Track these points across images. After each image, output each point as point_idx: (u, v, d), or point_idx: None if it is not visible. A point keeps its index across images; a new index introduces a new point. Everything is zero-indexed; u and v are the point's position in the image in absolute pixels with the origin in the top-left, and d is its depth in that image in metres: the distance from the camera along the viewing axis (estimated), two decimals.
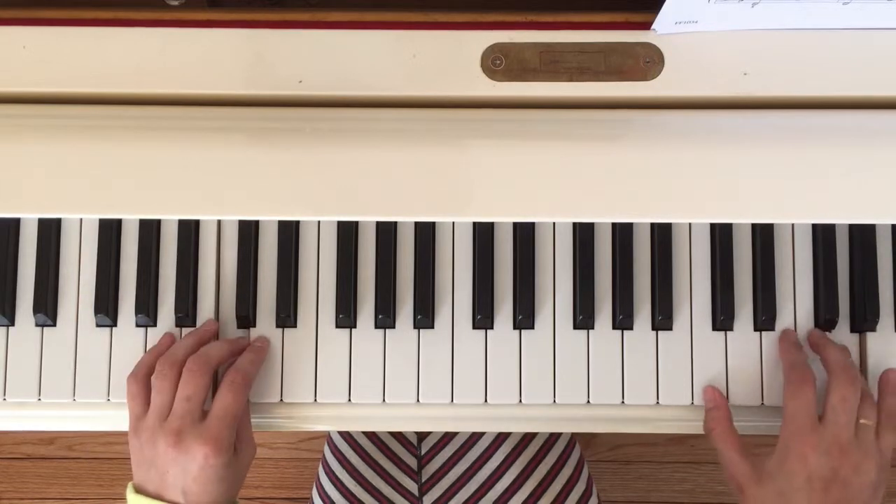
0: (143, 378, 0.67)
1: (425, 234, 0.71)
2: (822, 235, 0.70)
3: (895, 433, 0.65)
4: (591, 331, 0.70)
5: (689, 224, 0.71)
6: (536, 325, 0.70)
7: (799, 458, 0.62)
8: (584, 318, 0.70)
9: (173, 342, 0.69)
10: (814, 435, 0.63)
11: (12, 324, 0.71)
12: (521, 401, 0.70)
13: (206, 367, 0.66)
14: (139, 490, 0.65)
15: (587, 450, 1.53)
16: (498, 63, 0.63)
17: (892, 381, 0.68)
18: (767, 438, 0.68)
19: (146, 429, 0.65)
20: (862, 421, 0.64)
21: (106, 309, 0.70)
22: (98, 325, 0.70)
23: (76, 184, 0.62)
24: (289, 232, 0.71)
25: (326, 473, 0.91)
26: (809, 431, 0.63)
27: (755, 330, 0.70)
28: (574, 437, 0.93)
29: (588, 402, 0.70)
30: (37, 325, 0.70)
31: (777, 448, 0.65)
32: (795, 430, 0.64)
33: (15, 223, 0.71)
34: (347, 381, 0.70)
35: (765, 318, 0.70)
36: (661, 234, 0.70)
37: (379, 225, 0.71)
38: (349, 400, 0.70)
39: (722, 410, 0.68)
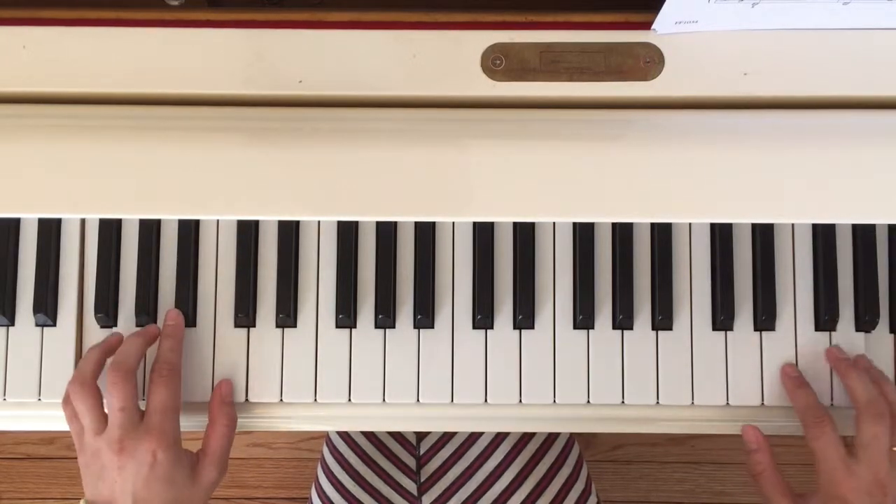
0: (72, 404, 0.66)
1: (425, 234, 0.71)
2: (822, 235, 0.70)
3: None
4: (591, 331, 0.70)
5: (689, 224, 0.71)
6: (536, 325, 0.70)
7: (840, 502, 0.63)
8: (584, 318, 0.70)
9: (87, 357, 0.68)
10: (851, 478, 0.63)
11: (12, 324, 0.71)
12: (521, 401, 0.70)
13: (127, 373, 0.65)
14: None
15: (587, 450, 1.53)
16: (498, 63, 0.63)
17: None
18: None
19: (87, 444, 0.64)
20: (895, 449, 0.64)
21: (106, 309, 0.70)
22: (98, 325, 0.70)
23: (76, 184, 0.62)
24: (289, 232, 0.71)
25: (325, 474, 0.91)
26: (845, 474, 0.63)
27: (755, 330, 0.70)
28: (573, 437, 0.93)
29: (588, 402, 0.70)
30: (37, 325, 0.70)
31: (818, 492, 0.65)
32: (830, 475, 0.64)
33: (15, 223, 0.71)
34: (347, 381, 0.70)
35: (765, 318, 0.70)
36: (661, 234, 0.70)
37: (379, 225, 0.71)
38: (349, 400, 0.70)
39: (765, 454, 0.68)
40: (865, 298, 0.70)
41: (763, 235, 0.71)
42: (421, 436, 0.89)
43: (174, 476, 0.63)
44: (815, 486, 0.66)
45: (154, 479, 0.63)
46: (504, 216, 0.67)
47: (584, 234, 0.70)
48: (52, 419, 0.70)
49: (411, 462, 0.88)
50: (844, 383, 0.68)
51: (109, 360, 0.67)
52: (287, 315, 0.70)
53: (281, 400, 0.70)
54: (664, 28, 0.63)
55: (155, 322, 0.70)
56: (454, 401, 0.70)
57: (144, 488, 0.62)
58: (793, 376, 0.69)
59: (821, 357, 0.70)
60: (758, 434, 0.69)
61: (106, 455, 0.63)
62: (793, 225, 0.71)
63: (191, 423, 0.70)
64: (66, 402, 0.67)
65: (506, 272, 0.71)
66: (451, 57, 0.63)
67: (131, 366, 0.66)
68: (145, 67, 0.63)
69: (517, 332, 0.70)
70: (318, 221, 0.71)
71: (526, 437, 0.88)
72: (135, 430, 0.63)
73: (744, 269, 0.71)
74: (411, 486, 0.87)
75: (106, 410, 0.65)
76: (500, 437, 0.87)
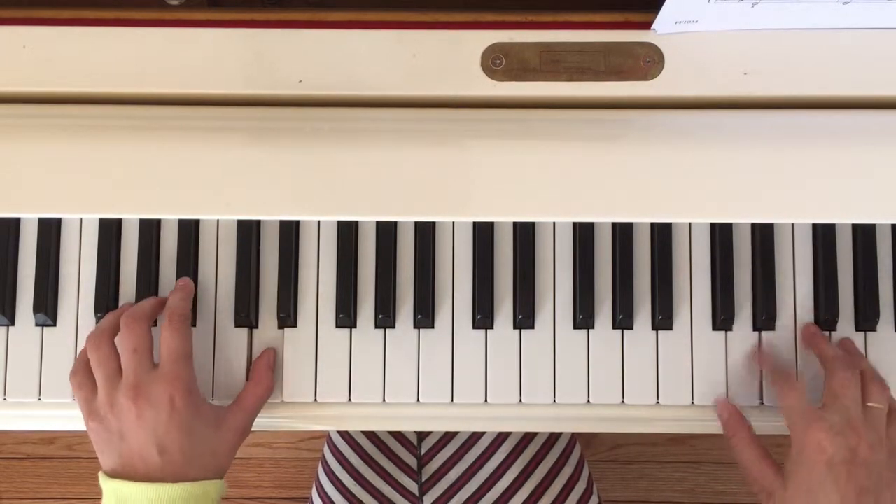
0: (81, 368, 0.65)
1: (425, 234, 0.71)
2: (822, 235, 0.70)
3: None
4: (591, 330, 0.70)
5: (689, 224, 0.71)
6: (536, 324, 0.70)
7: (815, 447, 0.62)
8: (584, 317, 0.70)
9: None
10: (821, 420, 0.62)
11: (12, 324, 0.71)
12: (521, 400, 0.70)
13: (140, 318, 0.64)
14: (111, 475, 0.62)
15: (587, 449, 1.53)
16: (498, 63, 0.63)
17: None
18: (778, 439, 0.68)
19: (101, 403, 0.63)
20: (871, 404, 0.63)
21: (106, 309, 0.70)
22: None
23: (76, 184, 0.62)
24: (289, 232, 0.71)
25: (326, 473, 0.91)
26: (815, 418, 0.62)
27: (755, 330, 0.70)
28: (575, 437, 0.93)
29: (588, 401, 0.70)
30: (37, 325, 0.70)
31: (792, 446, 0.64)
32: (801, 422, 0.63)
33: (15, 223, 0.71)
34: (347, 381, 0.70)
35: (765, 318, 0.70)
36: (661, 234, 0.70)
37: (379, 225, 0.71)
38: (349, 399, 0.70)
39: (736, 417, 0.68)
40: (865, 298, 0.70)
41: (763, 235, 0.71)
42: (422, 436, 0.89)
43: (195, 425, 0.62)
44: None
45: (175, 426, 0.61)
46: (504, 216, 0.67)
47: (584, 234, 0.70)
48: (52, 419, 0.70)
49: (413, 462, 0.88)
50: (815, 349, 0.68)
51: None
52: (287, 315, 0.70)
53: (281, 400, 0.70)
54: (664, 28, 0.63)
55: (155, 324, 0.70)
56: (454, 401, 0.70)
57: (166, 436, 0.61)
58: (764, 351, 0.69)
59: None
60: (728, 404, 0.69)
61: (123, 404, 0.61)
62: (793, 225, 0.71)
63: None
64: (75, 372, 0.65)
65: (506, 272, 0.71)
66: (451, 57, 0.63)
67: (144, 313, 0.65)
68: (145, 67, 0.63)
69: (517, 331, 0.70)
70: (318, 221, 0.71)
71: (528, 438, 0.88)
72: (149, 374, 0.62)
73: (744, 269, 0.71)
74: (412, 486, 0.87)
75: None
76: (501, 437, 0.87)
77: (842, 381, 0.64)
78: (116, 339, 0.65)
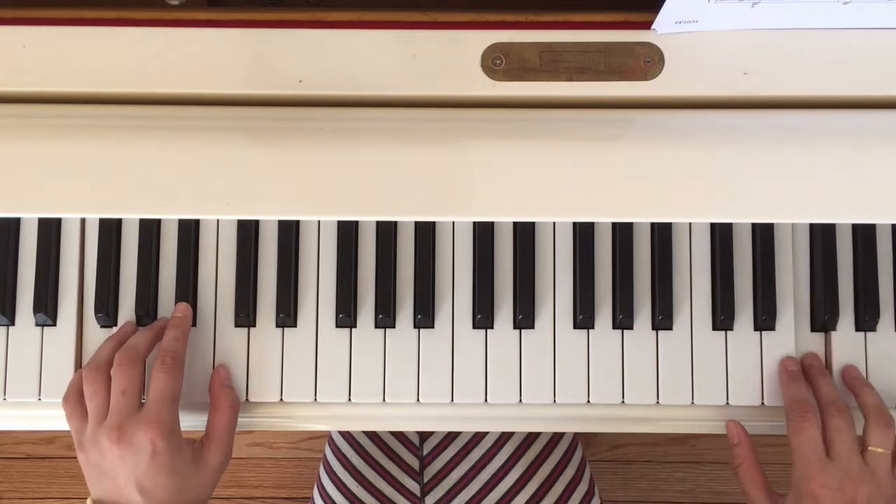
0: (75, 396, 0.66)
1: (425, 234, 0.71)
2: (822, 235, 0.70)
3: None
4: (591, 330, 0.70)
5: (689, 224, 0.71)
6: (536, 324, 0.70)
7: (811, 498, 0.63)
8: (584, 317, 0.70)
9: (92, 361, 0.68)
10: (823, 472, 0.63)
11: (12, 324, 0.71)
12: (521, 400, 0.70)
13: (135, 358, 0.65)
14: (98, 502, 0.64)
15: (588, 449, 1.53)
16: (498, 63, 0.63)
17: None
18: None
19: (88, 437, 0.64)
20: (871, 449, 0.64)
21: (106, 308, 0.70)
22: (98, 325, 0.70)
23: (76, 184, 0.62)
24: (289, 232, 0.71)
25: (328, 473, 0.91)
26: (818, 469, 0.63)
27: (755, 330, 0.70)
28: (577, 438, 0.93)
29: (588, 401, 0.70)
30: (37, 325, 0.70)
31: (791, 487, 0.65)
32: (804, 470, 0.64)
33: (15, 223, 0.71)
34: (347, 381, 0.70)
35: (765, 318, 0.70)
36: (661, 234, 0.70)
37: (379, 225, 0.71)
38: (349, 399, 0.70)
39: (746, 448, 0.68)
40: (865, 298, 0.70)
41: (763, 235, 0.70)
42: (424, 436, 0.89)
43: (175, 465, 0.63)
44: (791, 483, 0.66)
45: (155, 468, 0.62)
46: (504, 216, 0.67)
47: (584, 234, 0.70)
48: (52, 419, 0.70)
49: (414, 462, 0.88)
50: (812, 387, 0.68)
51: None
52: (287, 315, 0.70)
53: (281, 399, 0.70)
54: (664, 28, 0.63)
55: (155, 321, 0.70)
56: (454, 400, 0.70)
57: (146, 477, 0.62)
58: (790, 369, 0.69)
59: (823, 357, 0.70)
60: (739, 429, 0.69)
61: (105, 444, 0.62)
62: (793, 225, 0.71)
63: (192, 423, 0.70)
64: (67, 398, 0.66)
65: (506, 272, 0.71)
66: (451, 57, 0.63)
67: (139, 353, 0.66)
68: (145, 67, 0.63)
69: (517, 331, 0.70)
70: (318, 221, 0.71)
71: (530, 438, 0.88)
72: (133, 417, 0.63)
73: (744, 269, 0.71)
74: (414, 487, 0.87)
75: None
76: (503, 438, 0.87)
77: (836, 426, 0.65)
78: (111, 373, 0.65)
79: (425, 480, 0.87)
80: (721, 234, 0.70)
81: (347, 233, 0.70)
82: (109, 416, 0.63)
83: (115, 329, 0.70)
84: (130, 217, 0.71)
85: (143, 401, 0.65)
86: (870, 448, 0.64)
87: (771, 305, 0.70)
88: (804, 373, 0.69)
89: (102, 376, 0.65)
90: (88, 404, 0.65)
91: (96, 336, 0.70)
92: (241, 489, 1.52)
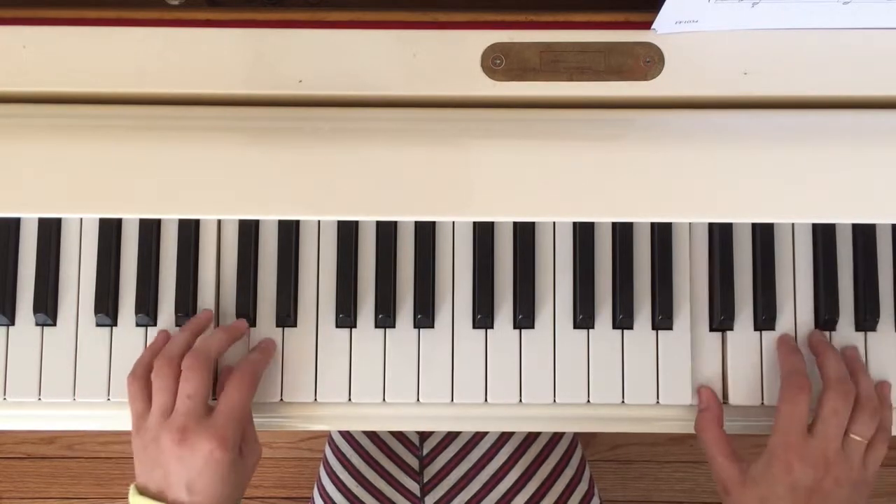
0: (142, 377, 0.67)
1: (425, 234, 0.71)
2: (822, 235, 0.70)
3: (884, 447, 0.66)
4: (591, 330, 0.70)
5: (689, 224, 0.71)
6: (536, 324, 0.70)
7: (784, 466, 0.63)
8: (584, 317, 0.70)
9: (168, 339, 0.69)
10: (802, 446, 0.63)
11: (12, 324, 0.71)
12: (521, 400, 0.70)
13: (206, 362, 0.65)
14: (142, 491, 0.64)
15: (587, 449, 1.53)
16: (498, 63, 0.63)
17: (885, 395, 0.69)
18: (764, 439, 0.68)
19: (150, 428, 0.65)
20: (852, 436, 0.65)
21: (106, 308, 0.70)
22: (98, 325, 0.70)
23: (76, 184, 0.62)
24: (289, 232, 0.71)
25: (328, 474, 0.91)
26: (798, 441, 0.64)
27: (755, 330, 0.70)
28: (576, 438, 0.93)
29: (588, 401, 0.70)
30: (37, 324, 0.70)
31: (764, 452, 0.65)
32: (783, 439, 0.64)
33: (15, 223, 0.71)
34: (347, 381, 0.70)
35: (765, 318, 0.70)
36: (661, 234, 0.70)
37: (379, 225, 0.71)
38: (349, 399, 0.70)
39: (713, 412, 0.68)
40: (865, 298, 0.70)
41: (763, 235, 0.71)
42: (424, 436, 0.89)
43: (228, 475, 0.64)
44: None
45: (209, 474, 0.63)
46: (504, 216, 0.67)
47: (584, 234, 0.70)
48: (53, 419, 0.70)
49: (414, 462, 0.88)
50: (818, 360, 0.68)
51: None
52: (287, 315, 0.70)
53: (281, 399, 0.70)
54: (664, 28, 0.63)
55: (155, 323, 0.70)
56: (454, 400, 0.70)
57: (199, 480, 0.62)
58: (790, 343, 0.69)
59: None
60: (710, 395, 0.69)
61: (166, 442, 0.63)
62: (793, 225, 0.71)
63: None
64: (136, 378, 0.66)
65: (506, 272, 0.71)
66: (451, 57, 0.63)
67: (211, 356, 0.66)
68: (145, 67, 0.63)
69: (517, 331, 0.70)
70: (318, 221, 0.71)
71: (530, 438, 0.88)
72: (198, 423, 0.63)
73: (744, 270, 0.71)
74: (414, 487, 0.87)
75: None
76: (503, 438, 0.87)
77: (834, 409, 0.65)
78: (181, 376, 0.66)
79: (425, 480, 0.87)
80: (721, 234, 0.70)
81: (347, 233, 0.70)
82: (174, 416, 0.64)
83: (114, 329, 0.70)
84: (130, 217, 0.70)
85: (210, 402, 0.66)
86: (851, 435, 0.65)
87: (771, 305, 0.70)
88: (812, 348, 0.69)
89: (174, 370, 0.65)
90: (155, 395, 0.65)
91: (96, 336, 0.70)
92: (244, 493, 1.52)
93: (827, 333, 0.71)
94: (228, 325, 0.70)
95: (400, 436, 0.89)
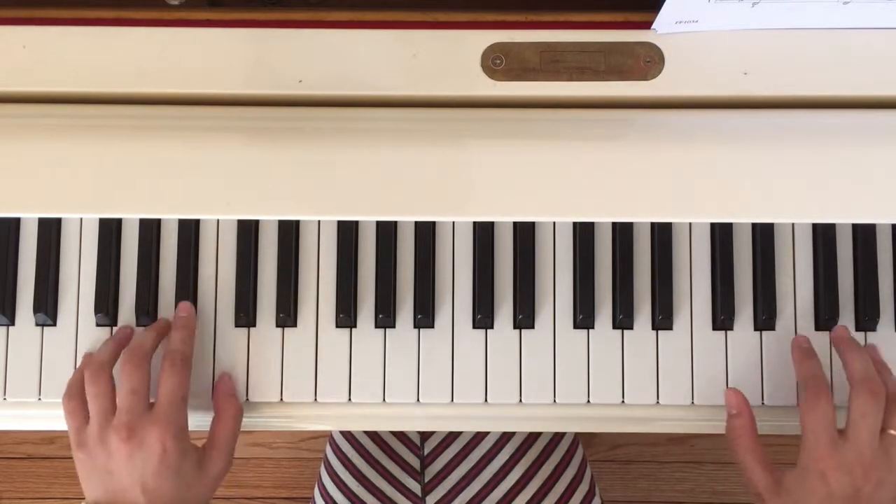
0: (77, 394, 0.66)
1: (425, 234, 0.71)
2: (822, 235, 0.70)
3: None
4: (591, 330, 0.70)
5: (689, 224, 0.71)
6: (536, 324, 0.70)
7: (819, 477, 0.61)
8: (584, 317, 0.70)
9: (90, 358, 0.68)
10: (834, 454, 0.61)
11: (12, 324, 0.71)
12: (521, 400, 0.70)
13: (143, 357, 0.65)
14: None
15: (588, 449, 1.52)
16: (498, 62, 0.63)
17: None
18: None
19: (92, 435, 0.64)
20: (890, 432, 0.62)
21: (106, 308, 0.70)
22: (98, 325, 0.70)
23: (76, 184, 0.62)
24: (289, 232, 0.70)
25: (329, 473, 0.91)
26: (829, 450, 0.61)
27: (755, 329, 0.70)
28: (577, 438, 0.93)
29: (588, 401, 0.70)
30: (37, 324, 0.70)
31: (798, 463, 0.63)
32: (814, 448, 0.62)
33: (15, 223, 0.71)
34: (347, 381, 0.70)
35: (765, 318, 0.70)
36: (661, 234, 0.70)
37: (379, 225, 0.71)
38: (349, 399, 0.70)
39: (746, 419, 0.66)
40: (865, 298, 0.70)
41: (763, 235, 0.70)
42: (425, 436, 0.89)
43: (181, 467, 0.63)
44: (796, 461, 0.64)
45: (163, 468, 0.62)
46: (504, 216, 0.67)
47: (584, 234, 0.70)
48: (53, 419, 0.70)
49: (415, 462, 0.88)
50: (843, 359, 0.66)
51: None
52: (287, 315, 0.70)
53: (281, 400, 0.70)
54: (664, 28, 0.63)
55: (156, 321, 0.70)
56: (454, 400, 0.70)
57: (152, 477, 0.62)
58: (803, 346, 0.68)
59: (823, 356, 0.70)
60: (739, 397, 0.67)
61: (113, 443, 0.62)
62: (793, 225, 0.71)
63: (192, 423, 0.70)
64: (71, 397, 0.66)
65: (506, 272, 0.71)
66: (451, 56, 0.63)
67: (146, 353, 0.66)
68: (145, 67, 0.63)
69: (517, 331, 0.70)
70: (318, 221, 0.71)
71: (531, 438, 0.88)
72: (144, 416, 0.63)
73: (744, 269, 0.71)
74: (415, 487, 0.87)
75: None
76: (504, 438, 0.87)
77: (863, 413, 0.62)
78: (116, 374, 0.65)
79: (426, 480, 0.87)
80: (721, 234, 0.70)
81: (347, 233, 0.70)
82: (118, 415, 0.63)
83: (114, 329, 0.70)
84: (130, 217, 0.70)
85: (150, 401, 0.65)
86: (889, 430, 0.62)
87: (771, 305, 0.70)
88: (835, 345, 0.68)
89: (105, 376, 0.65)
90: (91, 403, 0.65)
91: (96, 336, 0.70)
92: (241, 489, 1.52)
93: (827, 333, 0.70)
94: (154, 324, 0.69)
95: (401, 435, 0.89)
